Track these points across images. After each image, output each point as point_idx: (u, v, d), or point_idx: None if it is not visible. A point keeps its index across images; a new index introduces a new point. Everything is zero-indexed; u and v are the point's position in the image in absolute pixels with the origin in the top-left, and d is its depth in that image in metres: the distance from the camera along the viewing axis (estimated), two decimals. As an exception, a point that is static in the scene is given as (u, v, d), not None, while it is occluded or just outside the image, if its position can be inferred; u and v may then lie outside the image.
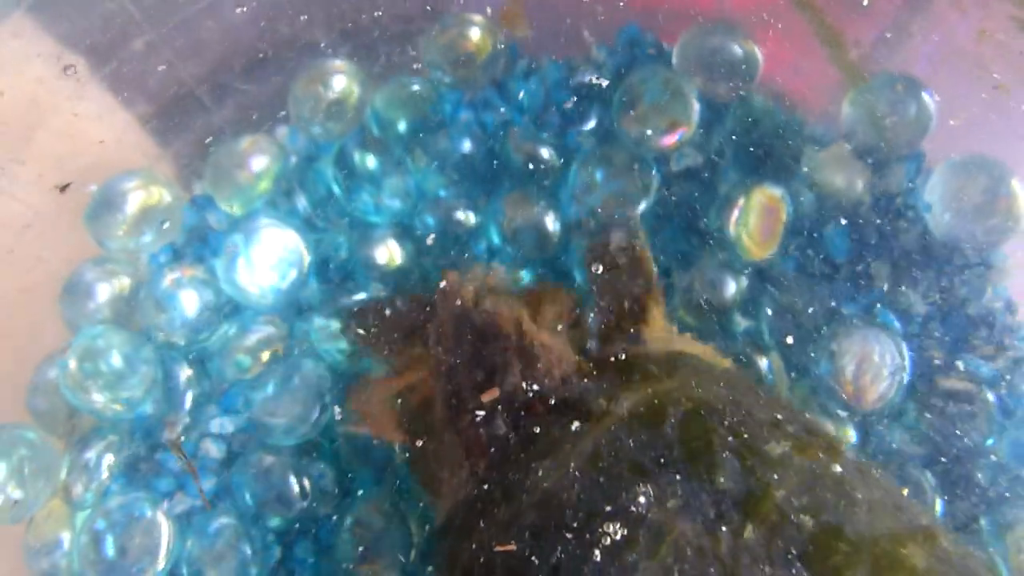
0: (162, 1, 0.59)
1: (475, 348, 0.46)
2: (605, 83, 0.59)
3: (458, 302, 0.48)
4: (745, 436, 0.39)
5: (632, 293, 0.50)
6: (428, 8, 0.63)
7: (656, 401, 0.41)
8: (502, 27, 0.64)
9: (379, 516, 0.55)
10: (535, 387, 0.44)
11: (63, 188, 0.56)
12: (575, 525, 0.39)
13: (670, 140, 0.61)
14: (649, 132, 0.60)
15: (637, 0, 0.65)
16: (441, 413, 0.47)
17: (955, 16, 0.58)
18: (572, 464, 0.41)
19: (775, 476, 0.37)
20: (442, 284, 0.49)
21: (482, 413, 0.45)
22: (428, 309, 0.52)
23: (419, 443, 0.50)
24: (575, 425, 0.42)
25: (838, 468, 0.38)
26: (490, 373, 0.45)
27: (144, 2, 0.58)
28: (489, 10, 0.64)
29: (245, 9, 0.59)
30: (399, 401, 0.52)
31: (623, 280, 0.51)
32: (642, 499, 0.38)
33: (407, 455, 0.57)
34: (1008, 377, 0.57)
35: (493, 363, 0.45)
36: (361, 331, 0.55)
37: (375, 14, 0.64)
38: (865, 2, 0.53)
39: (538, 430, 0.43)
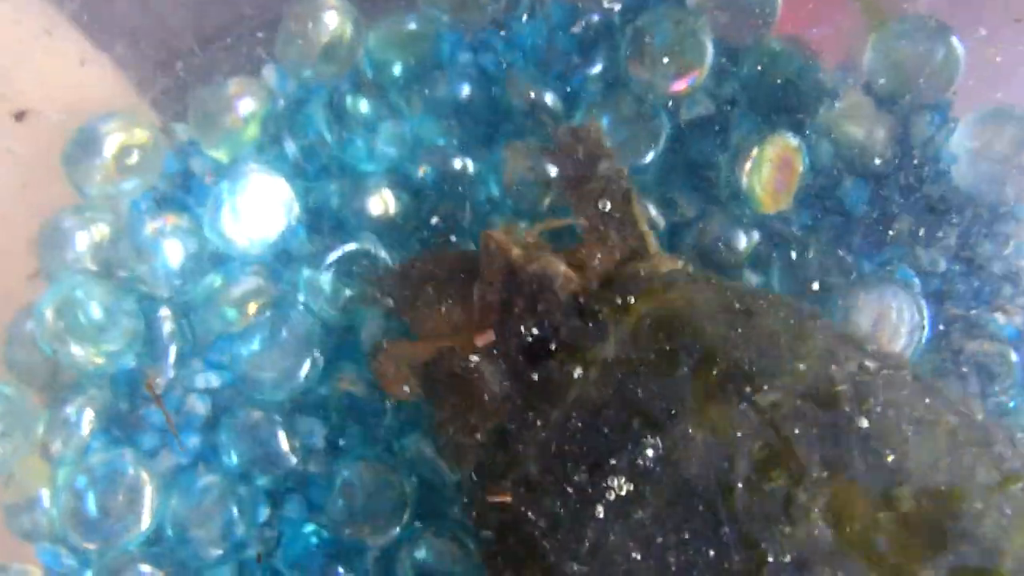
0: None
1: (525, 305, 0.43)
2: (617, 6, 0.55)
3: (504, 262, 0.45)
4: (764, 388, 0.36)
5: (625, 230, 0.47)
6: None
7: (668, 348, 0.38)
8: None
9: (371, 475, 0.53)
10: (534, 331, 0.41)
11: (19, 116, 0.53)
12: (576, 479, 0.37)
13: (681, 85, 0.57)
14: (659, 76, 0.57)
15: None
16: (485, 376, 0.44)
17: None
18: (574, 414, 0.38)
19: (796, 431, 0.35)
20: (487, 244, 0.46)
21: (476, 359, 0.42)
22: (458, 269, 0.49)
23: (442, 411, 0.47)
24: (578, 371, 0.40)
25: (865, 423, 0.35)
26: (543, 329, 0.42)
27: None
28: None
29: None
30: (424, 367, 0.49)
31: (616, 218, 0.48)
32: (650, 452, 0.36)
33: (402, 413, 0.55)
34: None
35: (544, 318, 0.42)
36: (384, 294, 0.52)
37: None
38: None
39: (537, 377, 0.41)
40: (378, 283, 0.54)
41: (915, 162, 0.58)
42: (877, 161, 0.58)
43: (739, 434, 0.35)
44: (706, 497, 0.34)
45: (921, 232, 0.57)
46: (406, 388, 0.50)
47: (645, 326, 0.40)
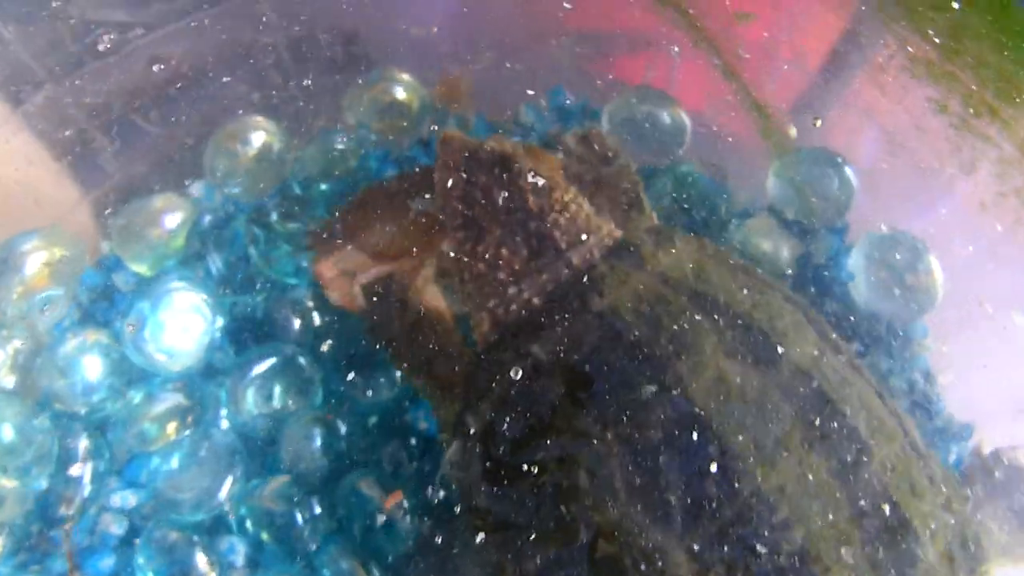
0: (68, 55, 0.56)
1: (488, 179, 0.44)
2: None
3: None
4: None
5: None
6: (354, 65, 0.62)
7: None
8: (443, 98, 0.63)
9: (288, 598, 0.53)
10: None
11: None
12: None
13: (597, 206, 0.60)
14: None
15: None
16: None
17: (875, 94, 0.59)
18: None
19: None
20: (444, 139, 0.47)
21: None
22: (398, 192, 0.51)
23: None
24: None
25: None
26: (506, 210, 0.44)
27: (47, 58, 0.55)
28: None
29: (162, 67, 0.57)
30: (376, 287, 0.50)
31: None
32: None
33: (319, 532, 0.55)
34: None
35: (508, 194, 0.44)
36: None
37: (300, 70, 0.62)
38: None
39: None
40: (323, 224, 0.55)
41: (817, 280, 0.61)
42: (782, 278, 0.61)
43: None
44: None
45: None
46: (337, 296, 0.52)
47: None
